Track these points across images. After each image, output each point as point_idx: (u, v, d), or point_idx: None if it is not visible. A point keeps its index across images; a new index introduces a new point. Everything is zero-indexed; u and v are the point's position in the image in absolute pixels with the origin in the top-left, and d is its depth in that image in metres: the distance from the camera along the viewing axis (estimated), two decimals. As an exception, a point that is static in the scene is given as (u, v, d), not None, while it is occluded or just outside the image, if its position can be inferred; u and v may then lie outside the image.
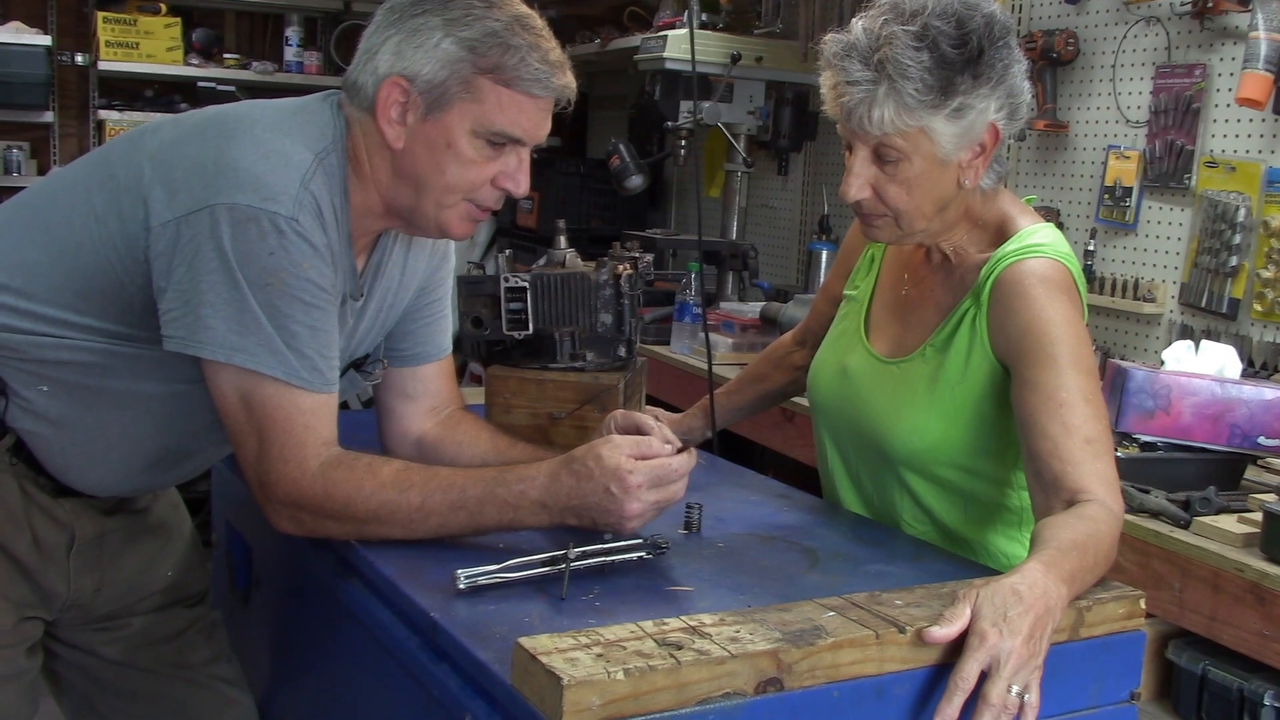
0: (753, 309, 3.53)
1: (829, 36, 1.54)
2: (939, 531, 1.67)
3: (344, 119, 1.48)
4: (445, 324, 1.76)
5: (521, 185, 1.50)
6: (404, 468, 1.44)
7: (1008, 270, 1.55)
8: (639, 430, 1.51)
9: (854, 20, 1.52)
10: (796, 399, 2.07)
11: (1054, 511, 1.37)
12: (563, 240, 1.99)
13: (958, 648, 1.13)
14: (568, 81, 1.47)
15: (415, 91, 1.43)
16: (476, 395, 1.98)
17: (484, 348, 1.95)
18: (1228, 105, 2.73)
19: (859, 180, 1.54)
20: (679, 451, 1.41)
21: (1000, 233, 1.62)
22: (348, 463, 1.42)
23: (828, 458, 1.80)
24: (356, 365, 1.65)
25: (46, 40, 4.86)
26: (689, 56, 3.58)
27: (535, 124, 1.47)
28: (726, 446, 2.07)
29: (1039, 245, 1.56)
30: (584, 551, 1.33)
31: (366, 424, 1.79)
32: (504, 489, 1.40)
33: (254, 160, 1.37)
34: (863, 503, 1.75)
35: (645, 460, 1.39)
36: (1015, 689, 1.09)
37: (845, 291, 1.83)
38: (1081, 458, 1.40)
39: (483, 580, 1.28)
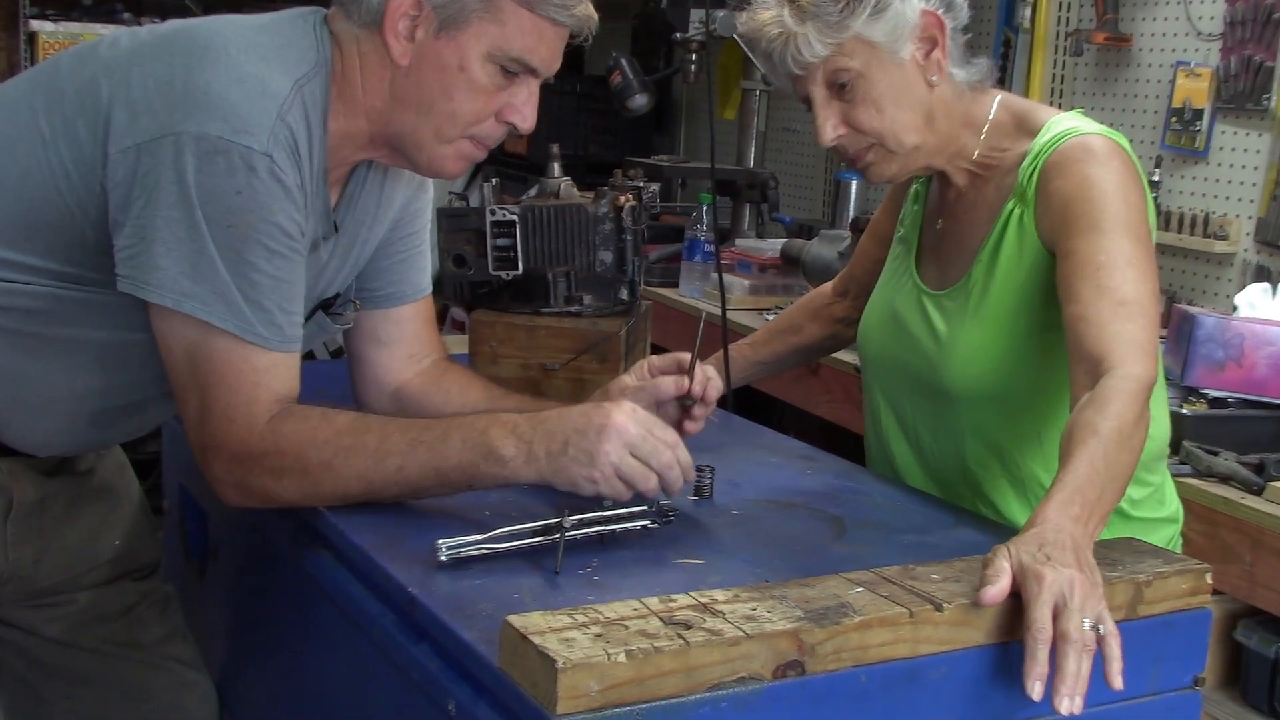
0: (772, 246, 3.54)
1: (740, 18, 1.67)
2: (1011, 479, 1.70)
3: (330, 39, 1.48)
4: (423, 261, 1.76)
5: (529, 120, 1.52)
6: (361, 416, 1.46)
7: (1052, 156, 1.61)
8: (679, 369, 1.55)
9: None
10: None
11: (1080, 391, 1.41)
12: (556, 168, 1.99)
13: (1001, 626, 1.14)
14: (590, 12, 1.50)
15: (429, 5, 1.44)
16: (459, 344, 1.99)
17: (467, 290, 1.95)
18: (1314, 15, 2.73)
19: (829, 121, 1.63)
20: (689, 406, 1.43)
21: (1022, 129, 1.68)
22: (299, 414, 1.42)
23: (880, 417, 1.84)
24: (324, 306, 1.66)
25: (-32, -61, 4.86)
26: (700, -43, 3.56)
27: (552, 54, 1.49)
28: (743, 403, 2.08)
29: (1075, 127, 1.63)
30: (581, 520, 1.33)
31: (336, 376, 1.79)
32: (474, 418, 1.42)
33: (227, 86, 1.37)
34: (920, 463, 1.79)
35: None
36: (1088, 622, 1.12)
37: (896, 234, 1.88)
38: (1109, 319, 1.45)
39: (467, 551, 1.28)
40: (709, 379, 1.62)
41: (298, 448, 1.40)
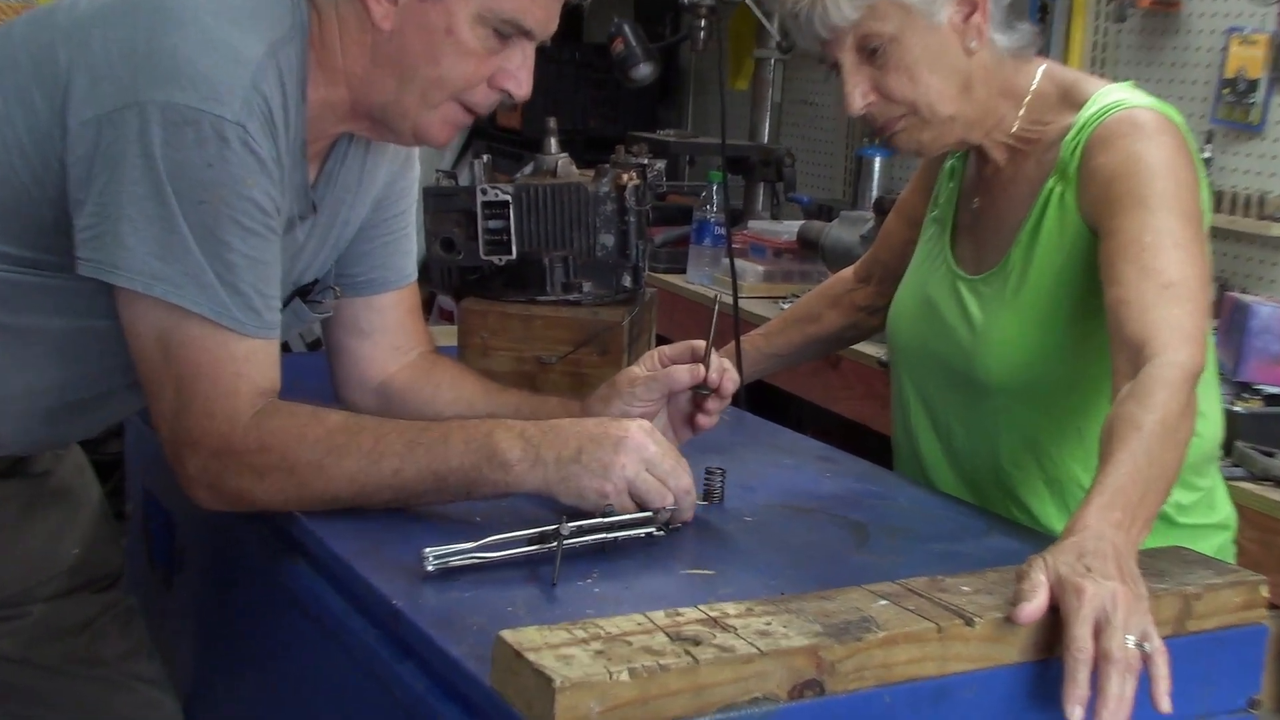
0: (788, 229, 3.53)
1: None
2: (1048, 480, 1.70)
3: (307, 1, 1.48)
4: (409, 245, 1.76)
5: (524, 86, 1.52)
6: (356, 415, 1.46)
7: (1097, 130, 1.61)
8: (693, 357, 1.55)
9: None
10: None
11: (1121, 381, 1.41)
12: (553, 143, 1.99)
13: (1037, 643, 1.14)
14: None
15: None
16: (447, 336, 1.99)
17: (456, 276, 1.96)
18: (1380, -24, 2.72)
19: (857, 88, 1.63)
20: (704, 397, 1.43)
21: (1067, 102, 1.69)
22: (288, 410, 1.42)
23: (909, 413, 1.85)
24: (301, 293, 1.66)
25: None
26: (710, -85, 3.56)
27: (548, 15, 1.49)
28: (756, 399, 2.09)
29: (1123, 100, 1.63)
30: (580, 527, 1.33)
31: (314, 370, 1.79)
32: (476, 420, 1.43)
33: (196, 50, 1.36)
34: (950, 463, 1.79)
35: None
36: (1132, 639, 1.11)
37: (929, 214, 1.89)
38: (1153, 302, 1.45)
39: (456, 561, 1.28)
40: (725, 370, 1.62)
41: (285, 445, 1.40)
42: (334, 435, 1.41)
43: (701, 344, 1.60)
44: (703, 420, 1.64)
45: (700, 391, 1.62)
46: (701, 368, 1.59)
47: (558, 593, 1.26)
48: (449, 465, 1.40)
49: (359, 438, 1.41)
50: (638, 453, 1.39)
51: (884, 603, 1.14)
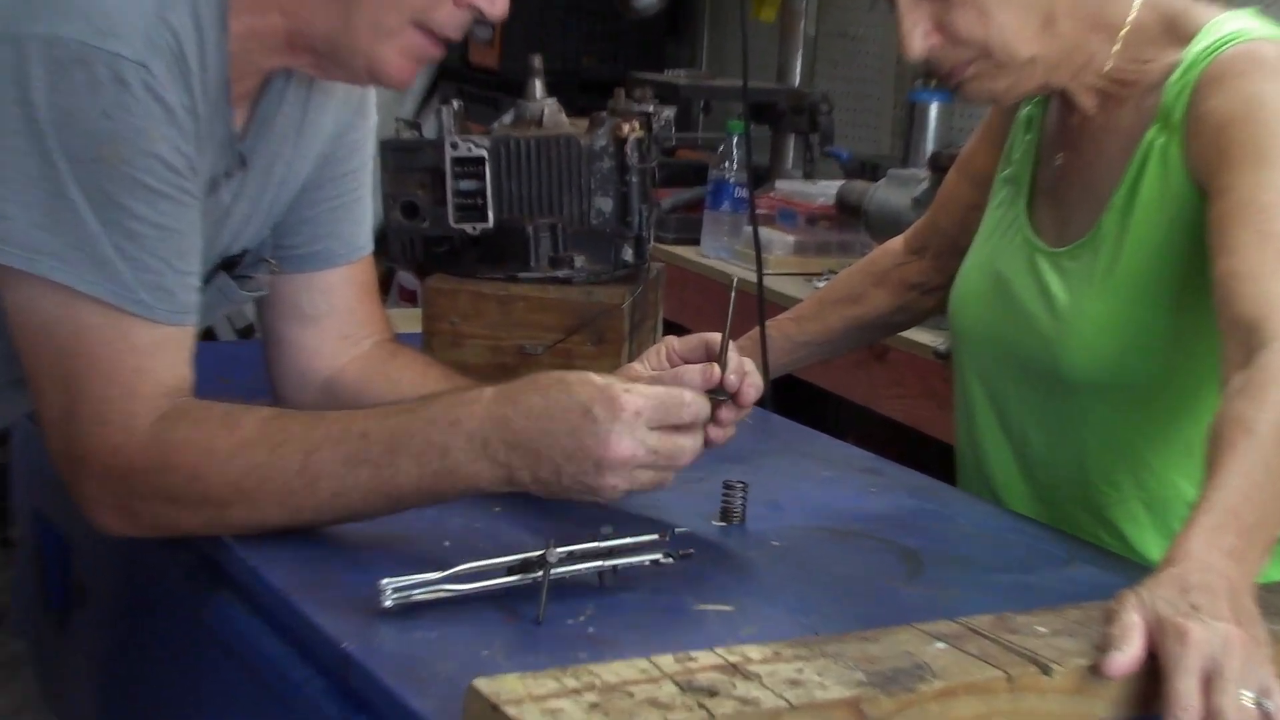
0: (824, 191, 3.53)
1: None
2: (1145, 497, 1.71)
3: None
4: (362, 210, 1.76)
5: (497, 3, 1.52)
6: (275, 415, 1.45)
7: (1209, 67, 1.62)
8: (709, 353, 1.53)
9: None
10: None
11: (1231, 371, 1.40)
12: (538, 87, 1.98)
13: (1131, 697, 1.13)
14: None
15: None
16: (408, 321, 2.01)
17: (420, 249, 1.95)
18: None
19: (918, 27, 1.63)
20: (720, 403, 1.44)
21: (1173, 35, 1.69)
22: (195, 415, 1.41)
23: (974, 415, 1.86)
24: (228, 267, 1.65)
25: None
26: None
27: None
28: (786, 398, 2.08)
29: (1244, 30, 1.63)
30: (571, 553, 1.33)
31: (246, 362, 1.79)
32: (425, 424, 1.40)
33: None
34: (1025, 476, 1.80)
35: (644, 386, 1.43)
36: (1249, 695, 1.10)
37: (999, 173, 1.89)
38: (1273, 273, 1.45)
39: (420, 594, 1.27)
40: (746, 372, 1.60)
41: (193, 465, 1.40)
42: (251, 449, 1.40)
43: (717, 338, 1.59)
44: (715, 434, 1.57)
45: (716, 397, 1.61)
46: (716, 368, 1.56)
47: (543, 632, 1.26)
48: (400, 488, 1.40)
49: (282, 451, 1.40)
50: (625, 465, 1.37)
51: (941, 646, 1.14)
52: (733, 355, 1.57)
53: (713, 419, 1.61)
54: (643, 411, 1.38)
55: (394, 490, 1.40)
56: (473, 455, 1.38)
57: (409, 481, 1.39)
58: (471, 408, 1.39)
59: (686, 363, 1.58)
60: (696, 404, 1.43)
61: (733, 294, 1.62)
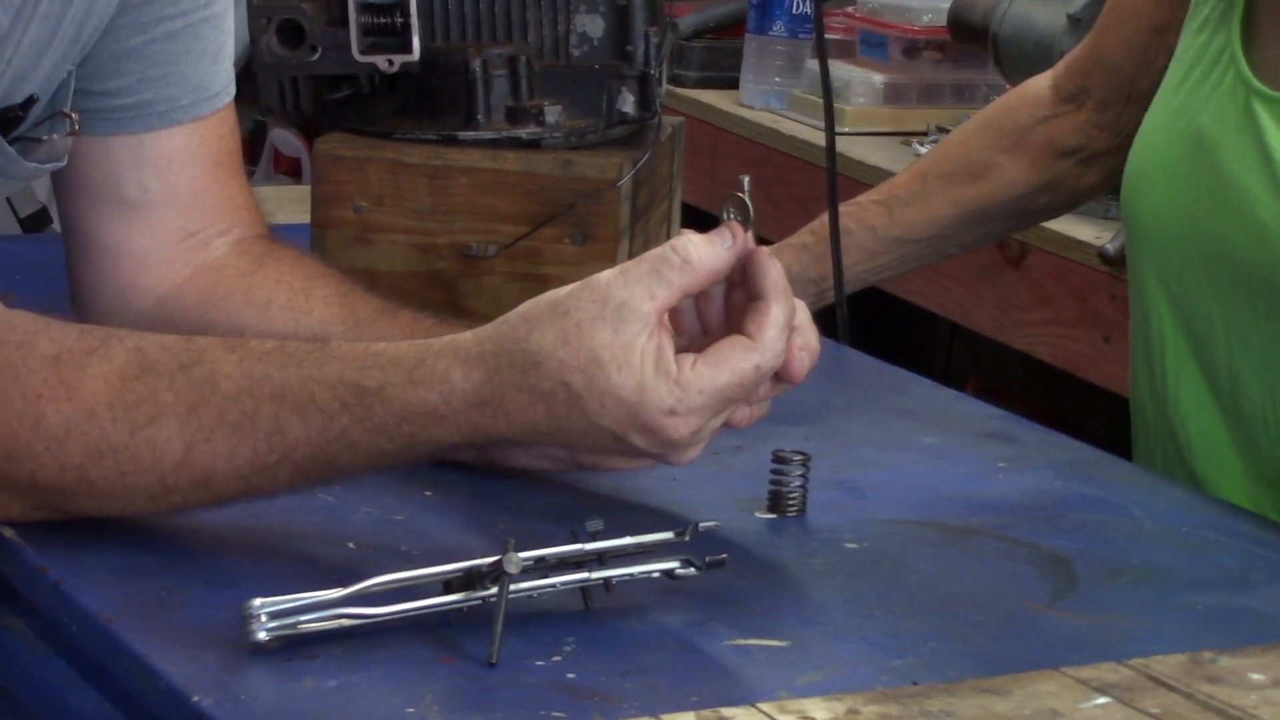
0: (933, 5, 3.51)
1: None
2: None
3: None
4: (215, 37, 1.70)
5: None
6: (135, 350, 1.39)
7: None
8: (759, 290, 1.44)
9: None
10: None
11: None
12: None
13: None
14: None
15: None
16: (290, 206, 1.94)
17: (308, 94, 1.91)
18: None
19: None
20: None
21: None
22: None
23: (1162, 348, 1.82)
24: (7, 123, 1.59)
25: None
26: None
27: None
28: (867, 322, 2.05)
29: None
30: (540, 560, 1.26)
31: (35, 265, 1.80)
32: (377, 400, 1.36)
33: None
34: (1235, 438, 1.79)
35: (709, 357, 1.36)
36: None
37: None
38: None
39: (309, 623, 1.22)
40: (797, 326, 1.46)
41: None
42: (99, 422, 1.37)
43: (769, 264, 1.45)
44: (739, 418, 1.52)
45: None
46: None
47: (498, 679, 1.21)
48: (354, 463, 1.40)
49: (151, 431, 1.36)
50: (692, 448, 1.41)
51: (1103, 700, 1.15)
52: (771, 283, 1.45)
53: None
54: (702, 429, 1.40)
55: (355, 470, 1.42)
56: (447, 436, 1.40)
57: (363, 457, 1.42)
58: (433, 410, 1.37)
59: (715, 274, 1.46)
60: (773, 358, 1.41)
61: (747, 195, 1.48)
